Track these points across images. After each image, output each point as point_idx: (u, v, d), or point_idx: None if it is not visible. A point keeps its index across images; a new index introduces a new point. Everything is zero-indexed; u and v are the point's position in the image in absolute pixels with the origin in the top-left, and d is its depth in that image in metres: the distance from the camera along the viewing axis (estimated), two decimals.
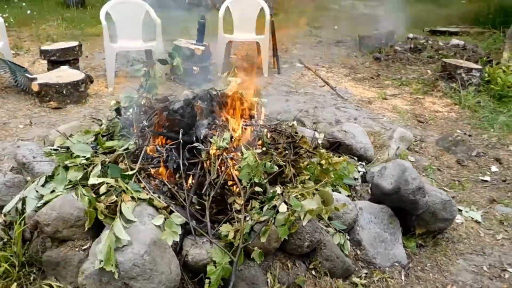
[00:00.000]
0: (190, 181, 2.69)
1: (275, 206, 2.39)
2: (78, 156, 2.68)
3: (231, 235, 2.19)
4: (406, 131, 4.54)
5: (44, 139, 3.69)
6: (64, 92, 4.92)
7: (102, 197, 2.28)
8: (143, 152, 2.66)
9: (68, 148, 2.95)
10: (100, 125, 3.19)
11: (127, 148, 2.70)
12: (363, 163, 3.65)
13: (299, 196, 2.45)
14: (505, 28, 8.42)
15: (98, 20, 5.73)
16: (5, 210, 2.63)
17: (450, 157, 4.49)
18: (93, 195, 2.41)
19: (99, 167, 2.54)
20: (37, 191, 2.51)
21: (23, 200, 2.50)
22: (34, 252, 2.47)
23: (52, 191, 2.52)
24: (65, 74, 5.17)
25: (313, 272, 2.60)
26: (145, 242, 2.07)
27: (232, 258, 2.21)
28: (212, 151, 2.61)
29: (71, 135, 3.11)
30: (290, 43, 8.48)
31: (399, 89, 6.28)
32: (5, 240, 2.58)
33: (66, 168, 2.60)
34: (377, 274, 2.81)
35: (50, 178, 2.60)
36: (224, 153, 2.56)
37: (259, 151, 2.57)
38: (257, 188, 2.44)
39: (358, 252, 2.87)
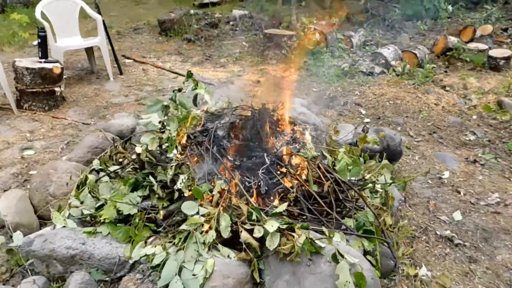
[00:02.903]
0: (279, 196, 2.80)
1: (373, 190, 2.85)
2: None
3: (388, 220, 2.55)
4: (301, 100, 5.30)
5: None
6: None
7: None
8: (241, 186, 2.61)
9: None
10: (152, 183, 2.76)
11: (224, 190, 2.60)
12: None
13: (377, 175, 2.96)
14: None
15: None
16: None
17: (332, 112, 5.52)
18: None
19: (227, 218, 2.41)
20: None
21: None
22: None
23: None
24: None
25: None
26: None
27: (388, 243, 2.61)
28: (298, 162, 2.78)
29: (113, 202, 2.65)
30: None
31: (239, 65, 6.91)
32: None
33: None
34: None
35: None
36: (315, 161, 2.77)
37: (343, 150, 2.88)
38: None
39: None
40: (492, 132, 5.33)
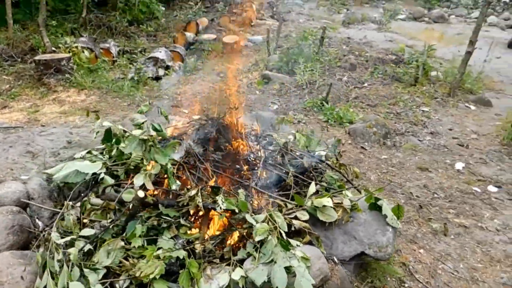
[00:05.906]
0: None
1: None
2: None
3: (357, 170, 3.31)
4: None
5: None
6: None
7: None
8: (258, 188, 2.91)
9: None
10: None
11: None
12: None
13: None
14: None
15: None
16: None
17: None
18: None
19: (279, 215, 2.69)
20: None
21: None
22: None
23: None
24: None
25: None
26: None
27: (359, 190, 3.40)
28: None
29: None
30: None
31: (24, 100, 6.06)
32: None
33: None
34: None
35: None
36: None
37: (293, 131, 3.40)
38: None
39: None
40: (281, 100, 6.69)
